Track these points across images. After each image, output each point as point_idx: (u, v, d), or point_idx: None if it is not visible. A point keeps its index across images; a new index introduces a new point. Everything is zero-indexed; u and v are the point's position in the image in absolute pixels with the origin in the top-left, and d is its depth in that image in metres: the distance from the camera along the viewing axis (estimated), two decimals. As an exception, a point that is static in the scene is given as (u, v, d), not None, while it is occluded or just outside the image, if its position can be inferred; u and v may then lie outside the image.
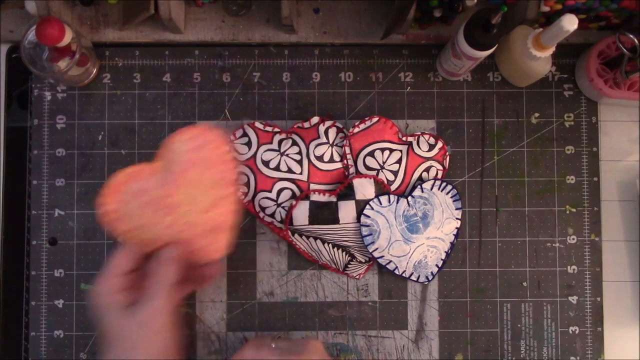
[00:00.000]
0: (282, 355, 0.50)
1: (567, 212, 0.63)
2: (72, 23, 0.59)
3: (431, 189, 0.60)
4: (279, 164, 0.60)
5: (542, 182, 0.63)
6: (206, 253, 0.51)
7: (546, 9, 0.57)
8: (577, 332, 0.62)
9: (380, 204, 0.58)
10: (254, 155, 0.60)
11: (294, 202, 0.59)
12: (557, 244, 0.62)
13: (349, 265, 0.61)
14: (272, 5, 0.62)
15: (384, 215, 0.58)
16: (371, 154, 0.60)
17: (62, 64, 0.56)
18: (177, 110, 0.63)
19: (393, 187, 0.60)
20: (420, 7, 0.59)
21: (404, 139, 0.61)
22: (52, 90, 0.63)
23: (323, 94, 0.63)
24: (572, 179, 0.63)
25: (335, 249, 0.60)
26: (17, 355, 0.61)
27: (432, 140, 0.61)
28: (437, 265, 0.61)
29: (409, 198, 0.59)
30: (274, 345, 0.51)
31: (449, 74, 0.62)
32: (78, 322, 0.61)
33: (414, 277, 0.61)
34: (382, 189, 0.59)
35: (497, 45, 0.54)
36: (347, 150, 0.60)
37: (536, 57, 0.57)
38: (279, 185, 0.60)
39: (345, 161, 0.60)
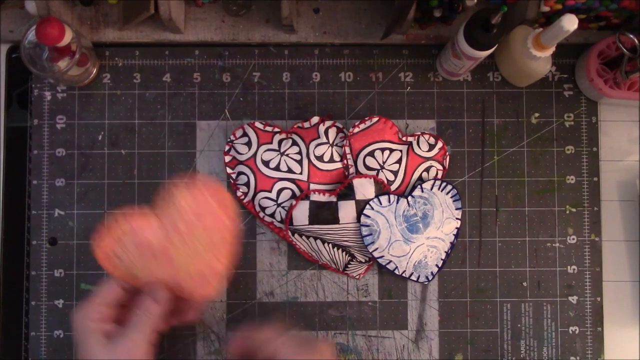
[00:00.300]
0: (296, 348, 0.49)
1: (567, 212, 0.63)
2: (72, 23, 0.59)
3: (431, 189, 0.60)
4: (279, 164, 0.60)
5: (542, 182, 0.63)
6: (195, 295, 0.52)
7: (546, 9, 0.57)
8: (577, 332, 0.62)
9: (380, 204, 0.58)
10: (254, 155, 0.60)
11: (294, 202, 0.59)
12: (557, 244, 0.62)
13: (349, 265, 0.61)
14: (272, 5, 0.62)
15: (384, 215, 0.58)
16: (371, 154, 0.60)
17: (62, 64, 0.56)
18: (177, 110, 0.63)
19: (393, 187, 0.60)
20: (420, 7, 0.59)
21: (404, 139, 0.61)
22: (52, 90, 0.63)
23: (323, 94, 0.63)
24: (572, 179, 0.63)
25: (335, 249, 0.60)
26: (17, 355, 0.61)
27: (432, 140, 0.61)
28: (437, 265, 0.61)
29: (409, 198, 0.59)
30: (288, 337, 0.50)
31: (449, 74, 0.62)
32: (78, 322, 0.61)
33: (414, 277, 0.61)
34: (382, 189, 0.59)
35: (497, 45, 0.54)
36: (347, 150, 0.60)
37: (536, 57, 0.57)
38: (279, 185, 0.60)
39: (345, 161, 0.60)
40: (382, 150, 0.60)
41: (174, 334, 0.61)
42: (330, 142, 0.60)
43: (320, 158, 0.60)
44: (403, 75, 0.64)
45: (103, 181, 0.62)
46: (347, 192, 0.58)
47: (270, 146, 0.60)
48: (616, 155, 0.64)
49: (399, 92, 0.63)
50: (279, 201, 0.60)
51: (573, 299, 0.62)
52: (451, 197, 0.60)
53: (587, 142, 0.63)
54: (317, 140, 0.60)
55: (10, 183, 0.62)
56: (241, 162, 0.60)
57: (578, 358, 0.62)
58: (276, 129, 0.61)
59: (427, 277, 0.61)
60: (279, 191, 0.60)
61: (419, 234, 0.59)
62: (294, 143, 0.60)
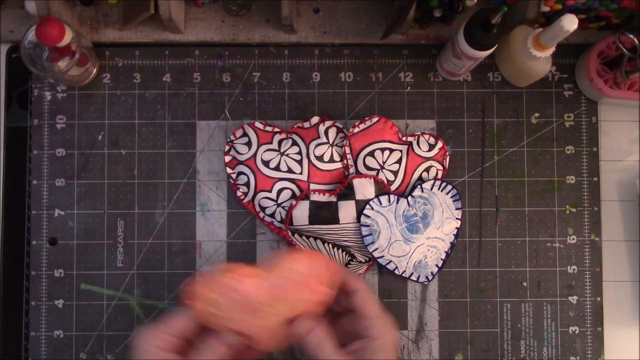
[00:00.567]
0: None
1: (567, 212, 0.63)
2: (72, 23, 0.59)
3: (431, 189, 0.60)
4: (279, 163, 0.60)
5: (542, 182, 0.63)
6: (259, 345, 0.52)
7: (546, 9, 0.57)
8: (577, 332, 0.62)
9: (380, 204, 0.58)
10: (254, 155, 0.60)
11: (294, 202, 0.59)
12: (557, 244, 0.62)
13: (349, 265, 0.61)
14: (272, 5, 0.62)
15: (384, 215, 0.58)
16: (371, 153, 0.60)
17: (62, 64, 0.56)
18: (177, 110, 0.63)
19: (393, 187, 0.60)
20: (420, 7, 0.59)
21: (404, 139, 0.61)
22: (52, 90, 0.63)
23: (323, 94, 0.63)
24: (572, 179, 0.63)
25: (335, 249, 0.60)
26: (17, 355, 0.61)
27: (432, 140, 0.61)
28: (437, 265, 0.61)
29: (409, 198, 0.59)
30: None
31: (449, 74, 0.62)
32: (78, 322, 0.61)
33: (414, 277, 0.61)
34: (382, 189, 0.59)
35: (497, 45, 0.54)
36: (347, 150, 0.60)
37: (536, 57, 0.57)
38: (279, 185, 0.60)
39: (345, 161, 0.60)
40: (382, 150, 0.60)
41: None
42: (330, 142, 0.60)
43: (320, 158, 0.60)
44: (403, 75, 0.64)
45: (103, 181, 0.62)
46: (347, 192, 0.58)
47: (270, 146, 0.60)
48: (616, 155, 0.64)
49: (399, 92, 0.63)
50: (279, 201, 0.60)
51: (573, 299, 0.62)
52: (451, 197, 0.60)
53: (587, 142, 0.63)
54: (317, 140, 0.60)
55: (10, 183, 0.62)
56: (241, 162, 0.60)
57: (578, 358, 0.62)
58: (276, 129, 0.61)
59: (427, 277, 0.61)
60: (279, 191, 0.60)
61: (419, 234, 0.59)
62: (294, 143, 0.60)
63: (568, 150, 0.63)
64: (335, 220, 0.58)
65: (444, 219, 0.60)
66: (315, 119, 0.61)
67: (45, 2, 0.57)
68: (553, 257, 0.62)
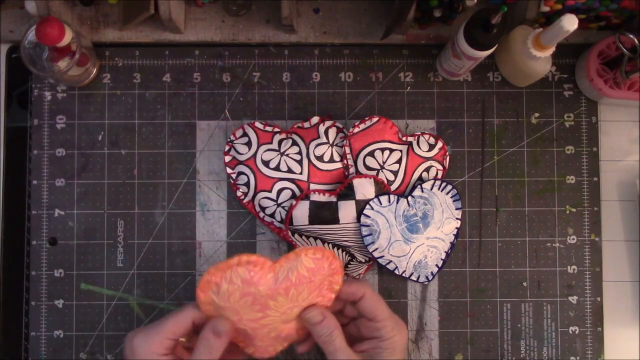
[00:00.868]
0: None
1: (567, 212, 0.63)
2: (72, 23, 0.59)
3: (431, 189, 0.60)
4: (279, 164, 0.60)
5: (542, 182, 0.63)
6: (257, 350, 0.52)
7: (546, 9, 0.57)
8: (577, 332, 0.62)
9: (380, 204, 0.58)
10: (254, 155, 0.60)
11: (294, 202, 0.59)
12: (557, 244, 0.62)
13: (349, 265, 0.61)
14: (272, 5, 0.62)
15: (384, 215, 0.58)
16: (371, 154, 0.60)
17: (62, 64, 0.56)
18: (177, 110, 0.63)
19: (393, 187, 0.60)
20: (420, 7, 0.59)
21: (404, 139, 0.61)
22: (52, 90, 0.63)
23: (323, 94, 0.63)
24: (572, 179, 0.63)
25: (335, 249, 0.60)
26: (17, 355, 0.61)
27: (432, 140, 0.61)
28: (437, 265, 0.61)
29: (409, 198, 0.59)
30: None
31: (449, 74, 0.62)
32: (78, 322, 0.61)
33: (414, 277, 0.61)
34: (382, 189, 0.59)
35: (497, 45, 0.54)
36: (347, 150, 0.60)
37: (536, 57, 0.57)
38: (279, 185, 0.60)
39: (345, 161, 0.60)
40: (382, 150, 0.60)
41: None
42: (330, 142, 0.60)
43: (320, 158, 0.60)
44: (403, 75, 0.64)
45: (103, 181, 0.62)
46: (347, 192, 0.58)
47: (270, 146, 0.60)
48: (616, 155, 0.64)
49: (399, 92, 0.63)
50: (279, 201, 0.60)
51: (573, 299, 0.62)
52: (451, 197, 0.60)
53: (587, 142, 0.63)
54: (317, 140, 0.60)
55: (10, 183, 0.62)
56: (241, 162, 0.60)
57: (578, 358, 0.62)
58: (276, 129, 0.61)
59: (427, 277, 0.61)
60: (279, 191, 0.60)
61: (419, 234, 0.59)
62: (294, 143, 0.60)
63: (568, 150, 0.63)
64: (335, 220, 0.58)
65: (444, 219, 0.60)
66: (315, 119, 0.61)
67: (45, 2, 0.57)
68: (553, 257, 0.62)
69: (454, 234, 0.61)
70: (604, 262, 0.62)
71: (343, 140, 0.60)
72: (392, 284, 0.62)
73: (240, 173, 0.60)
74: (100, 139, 0.62)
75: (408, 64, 0.64)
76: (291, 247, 0.61)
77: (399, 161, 0.60)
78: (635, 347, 0.62)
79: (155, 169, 0.62)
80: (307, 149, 0.60)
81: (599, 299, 0.62)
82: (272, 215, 0.60)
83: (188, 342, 0.51)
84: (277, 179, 0.60)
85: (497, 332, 0.62)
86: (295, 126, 0.61)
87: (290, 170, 0.60)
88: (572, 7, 0.57)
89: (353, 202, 0.58)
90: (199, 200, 0.62)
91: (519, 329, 0.62)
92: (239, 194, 0.61)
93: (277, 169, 0.60)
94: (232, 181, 0.61)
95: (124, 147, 0.62)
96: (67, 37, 0.54)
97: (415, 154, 0.60)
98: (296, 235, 0.60)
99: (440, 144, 0.61)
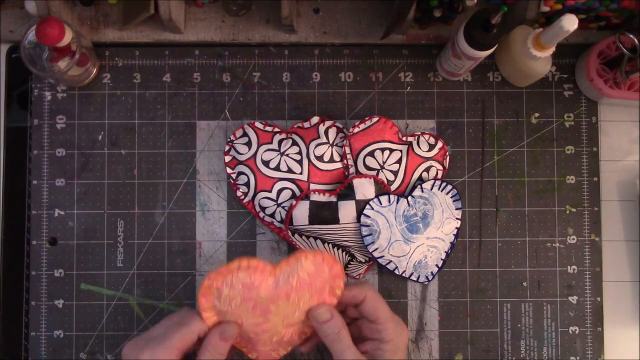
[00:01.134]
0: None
1: (567, 212, 0.63)
2: (72, 23, 0.59)
3: (431, 189, 0.60)
4: (279, 164, 0.60)
5: (542, 182, 0.63)
6: (260, 355, 0.52)
7: (546, 9, 0.57)
8: (577, 332, 0.62)
9: (380, 204, 0.58)
10: (254, 155, 0.60)
11: (294, 202, 0.59)
12: (557, 244, 0.62)
13: (349, 265, 0.61)
14: (272, 5, 0.62)
15: (384, 215, 0.58)
16: (371, 153, 0.60)
17: (62, 64, 0.56)
18: (177, 110, 0.63)
19: (393, 187, 0.60)
20: (420, 7, 0.59)
21: (404, 139, 0.61)
22: (52, 90, 0.63)
23: (323, 94, 0.63)
24: (572, 179, 0.63)
25: (335, 249, 0.60)
26: (17, 355, 0.61)
27: (432, 140, 0.61)
28: (437, 265, 0.61)
29: (409, 198, 0.59)
30: None
31: (449, 74, 0.62)
32: (78, 322, 0.61)
33: (414, 277, 0.61)
34: (382, 189, 0.59)
35: (497, 45, 0.54)
36: (347, 150, 0.60)
37: (536, 57, 0.57)
38: (279, 185, 0.60)
39: (345, 161, 0.60)
40: (382, 150, 0.60)
41: None
42: (330, 142, 0.60)
43: (320, 158, 0.60)
44: (403, 75, 0.64)
45: (103, 181, 0.62)
46: (347, 192, 0.58)
47: (270, 146, 0.60)
48: (616, 155, 0.64)
49: (399, 92, 0.63)
50: (279, 201, 0.60)
51: (573, 299, 0.62)
52: (451, 197, 0.60)
53: (587, 142, 0.63)
54: (317, 140, 0.60)
55: (10, 183, 0.62)
56: (241, 162, 0.60)
57: (578, 358, 0.62)
58: (276, 129, 0.61)
59: (427, 277, 0.61)
60: (279, 191, 0.60)
61: (419, 234, 0.59)
62: (294, 143, 0.60)
63: (568, 150, 0.63)
64: (335, 220, 0.58)
65: (444, 219, 0.60)
66: (315, 119, 0.61)
67: (45, 2, 0.57)
68: (553, 257, 0.62)
69: (454, 234, 0.61)
70: (604, 262, 0.62)
71: (343, 140, 0.60)
72: (392, 284, 0.62)
73: (240, 173, 0.60)
74: (100, 139, 0.62)
75: (408, 64, 0.64)
76: (291, 247, 0.61)
77: (399, 161, 0.60)
78: (635, 347, 0.62)
79: (155, 169, 0.62)
80: (307, 149, 0.60)
81: (599, 299, 0.62)
82: (272, 215, 0.60)
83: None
84: (277, 179, 0.60)
85: (497, 332, 0.62)
86: (295, 126, 0.61)
87: (290, 170, 0.60)
88: (572, 7, 0.57)
89: (353, 202, 0.58)
90: (199, 200, 0.62)
91: (519, 329, 0.62)
92: (239, 194, 0.61)
93: (277, 169, 0.60)
94: (232, 181, 0.61)
95: (124, 147, 0.62)
96: (67, 37, 0.54)
97: (415, 154, 0.60)
98: (296, 235, 0.60)
99: (440, 144, 0.61)
